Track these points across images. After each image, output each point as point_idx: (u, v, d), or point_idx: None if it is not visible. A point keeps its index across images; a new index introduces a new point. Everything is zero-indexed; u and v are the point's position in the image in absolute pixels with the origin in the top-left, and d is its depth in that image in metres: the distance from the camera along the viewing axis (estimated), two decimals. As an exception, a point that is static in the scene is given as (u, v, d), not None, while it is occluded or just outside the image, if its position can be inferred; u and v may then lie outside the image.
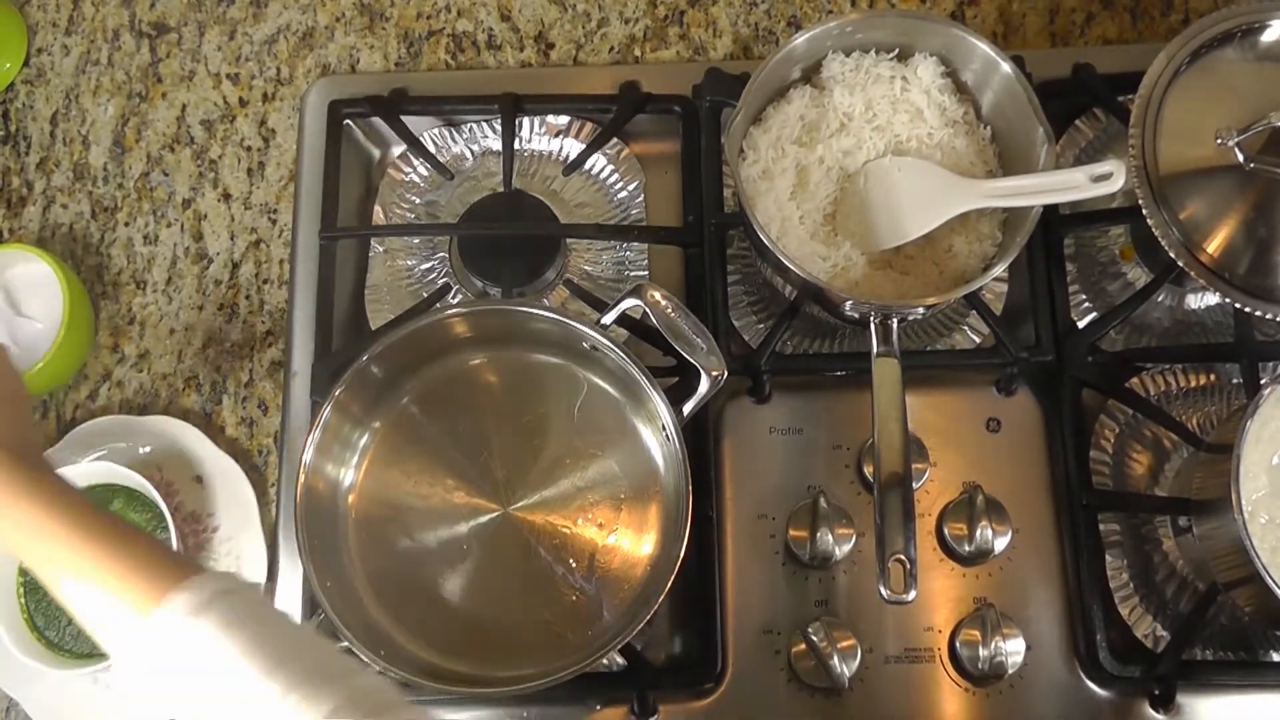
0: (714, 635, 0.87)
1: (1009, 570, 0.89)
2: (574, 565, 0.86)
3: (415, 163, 1.02)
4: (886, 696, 0.87)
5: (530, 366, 0.91)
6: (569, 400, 0.90)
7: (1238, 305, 0.84)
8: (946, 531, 0.89)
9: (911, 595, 0.76)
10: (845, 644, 0.85)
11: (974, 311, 0.93)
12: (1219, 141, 0.83)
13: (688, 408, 0.83)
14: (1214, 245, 0.84)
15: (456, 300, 0.97)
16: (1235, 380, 0.93)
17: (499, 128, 1.00)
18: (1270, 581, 0.77)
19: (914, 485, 0.84)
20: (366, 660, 0.78)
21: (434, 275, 0.99)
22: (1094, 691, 0.87)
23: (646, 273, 0.98)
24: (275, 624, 0.63)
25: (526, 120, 1.02)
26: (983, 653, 0.85)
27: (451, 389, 0.90)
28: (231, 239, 1.03)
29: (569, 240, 0.99)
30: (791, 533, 0.89)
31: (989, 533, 0.87)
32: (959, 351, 0.94)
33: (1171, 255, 0.84)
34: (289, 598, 0.91)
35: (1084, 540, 0.88)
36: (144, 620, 0.60)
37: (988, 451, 0.92)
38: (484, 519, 0.87)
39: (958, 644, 0.87)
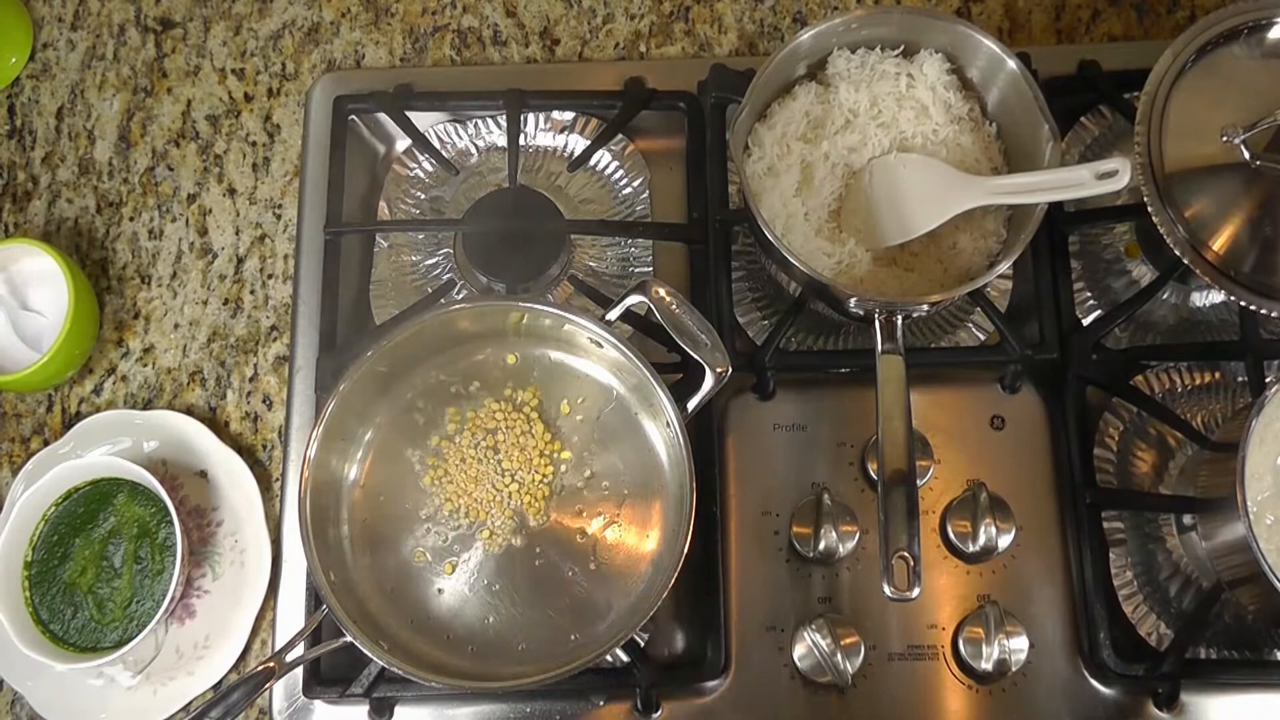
0: (717, 632, 0.87)
1: (1013, 568, 0.89)
2: (577, 561, 0.86)
3: (420, 158, 1.02)
4: (890, 694, 0.87)
5: (534, 362, 0.91)
6: (573, 396, 0.90)
7: (1243, 303, 0.83)
8: (950, 529, 0.89)
9: (915, 593, 0.76)
10: (849, 641, 0.85)
11: (978, 308, 0.93)
12: (1225, 139, 0.83)
13: (692, 404, 0.83)
14: (1219, 243, 0.84)
15: (461, 296, 0.97)
16: (1240, 378, 0.93)
17: (504, 123, 1.00)
18: (1275, 581, 0.77)
19: (918, 482, 0.84)
20: (369, 654, 0.78)
21: (439, 271, 0.99)
22: (1098, 690, 0.87)
23: (651, 269, 0.98)
24: None
25: (531, 116, 1.02)
26: (986, 650, 0.85)
27: (455, 385, 0.90)
28: (236, 234, 1.03)
29: (573, 236, 0.98)
30: (795, 529, 0.89)
31: (993, 530, 0.87)
32: (963, 349, 0.94)
33: (1177, 253, 0.84)
34: (292, 592, 0.91)
35: (1088, 538, 0.88)
36: None
37: (992, 449, 0.92)
38: (489, 515, 0.87)
39: (961, 641, 0.87)
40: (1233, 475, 0.78)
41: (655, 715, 0.87)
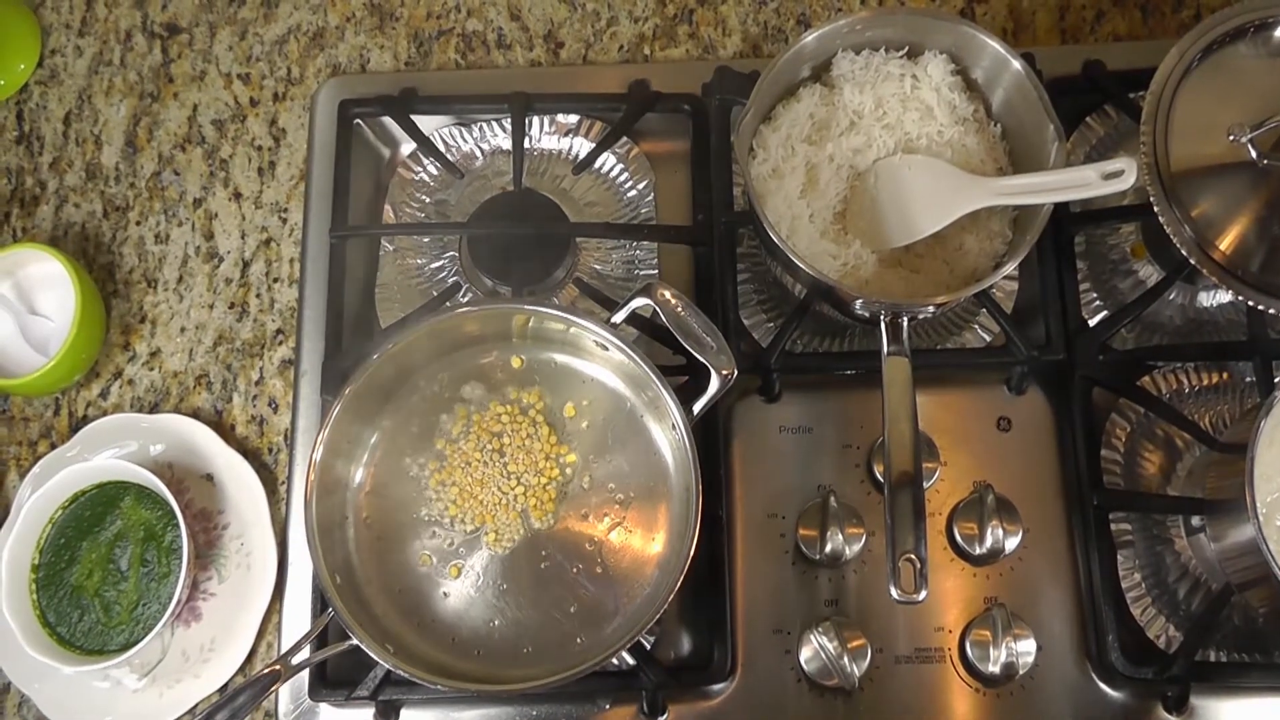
0: (724, 635, 0.86)
1: (1020, 570, 0.89)
2: (583, 564, 0.86)
3: (425, 162, 1.02)
4: (897, 697, 0.86)
5: (540, 365, 0.91)
6: (579, 399, 0.90)
7: (1250, 303, 0.83)
8: (957, 531, 0.88)
9: (922, 595, 0.76)
10: (855, 644, 0.85)
11: (984, 310, 0.93)
12: (1231, 138, 0.83)
13: (698, 407, 0.83)
14: (1226, 242, 0.84)
15: (466, 299, 0.98)
16: (1248, 379, 0.92)
17: (509, 127, 1.01)
18: (1284, 582, 0.76)
19: (924, 484, 0.84)
20: (375, 657, 0.78)
21: (444, 274, 0.99)
22: (1106, 693, 0.86)
23: (656, 271, 0.98)
24: None
25: (536, 119, 1.02)
26: (994, 653, 0.85)
27: (461, 388, 0.90)
28: (242, 238, 1.03)
29: (579, 239, 0.98)
30: (801, 532, 0.89)
31: (1000, 532, 0.87)
32: (969, 350, 0.94)
33: (1183, 253, 0.84)
34: (298, 595, 0.91)
35: (1095, 540, 0.87)
36: None
37: (998, 450, 0.91)
38: (494, 518, 0.87)
39: (968, 644, 0.86)
40: (1241, 476, 0.78)
41: (661, 718, 0.87)
